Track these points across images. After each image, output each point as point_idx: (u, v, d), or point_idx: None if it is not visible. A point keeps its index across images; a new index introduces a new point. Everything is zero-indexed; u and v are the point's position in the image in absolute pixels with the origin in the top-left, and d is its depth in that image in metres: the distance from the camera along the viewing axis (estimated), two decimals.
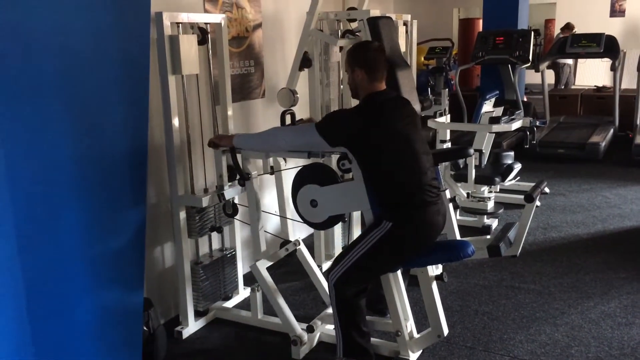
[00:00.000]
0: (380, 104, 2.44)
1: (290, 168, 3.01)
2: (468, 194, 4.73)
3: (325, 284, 3.11)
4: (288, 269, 3.81)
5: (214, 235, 3.36)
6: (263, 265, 2.95)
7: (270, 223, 3.91)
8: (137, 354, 2.60)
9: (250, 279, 3.60)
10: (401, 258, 2.51)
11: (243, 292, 3.51)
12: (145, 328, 2.77)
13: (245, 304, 3.38)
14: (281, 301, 2.91)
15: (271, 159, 3.09)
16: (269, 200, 4.03)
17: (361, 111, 2.45)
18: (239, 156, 2.85)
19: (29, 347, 2.11)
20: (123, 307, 2.56)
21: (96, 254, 2.38)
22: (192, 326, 3.15)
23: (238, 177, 2.92)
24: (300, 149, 2.63)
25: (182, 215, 3.03)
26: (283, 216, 3.29)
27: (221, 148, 2.88)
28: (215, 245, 3.45)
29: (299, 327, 2.89)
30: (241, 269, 3.50)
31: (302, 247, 3.18)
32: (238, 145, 2.75)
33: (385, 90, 2.52)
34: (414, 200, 2.40)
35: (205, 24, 3.09)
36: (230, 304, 3.41)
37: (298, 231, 3.85)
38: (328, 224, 2.75)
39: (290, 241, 3.12)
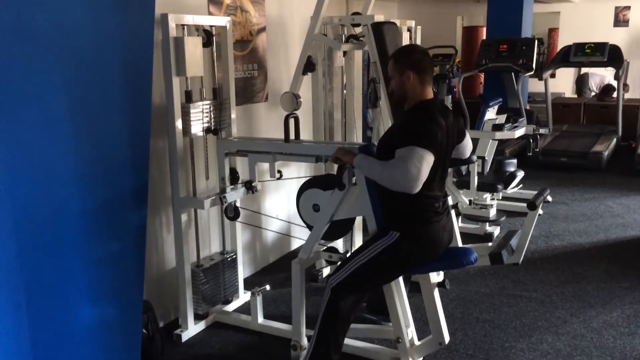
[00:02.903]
0: (435, 112, 2.35)
1: (306, 177, 2.96)
2: (470, 201, 4.71)
3: None
4: (287, 274, 3.78)
5: (215, 238, 3.35)
6: (304, 266, 2.81)
7: (274, 225, 3.90)
8: (136, 356, 2.58)
9: (251, 283, 3.59)
10: (403, 270, 2.50)
11: (243, 296, 3.49)
12: (144, 331, 2.76)
13: (245, 308, 3.37)
14: (303, 307, 2.80)
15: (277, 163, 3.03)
16: (270, 204, 4.02)
17: (433, 120, 2.31)
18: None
19: (28, 349, 2.10)
20: (122, 310, 2.55)
21: (96, 256, 2.37)
22: (192, 329, 3.14)
23: (243, 181, 2.81)
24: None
25: (184, 217, 3.02)
26: (291, 222, 3.26)
27: (346, 165, 2.52)
28: (216, 248, 3.44)
29: (305, 338, 2.84)
30: (242, 273, 3.48)
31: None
32: (357, 166, 2.42)
33: (434, 98, 2.44)
34: (424, 215, 2.38)
35: (211, 26, 3.10)
36: (230, 307, 3.40)
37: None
38: (330, 234, 2.71)
39: (339, 252, 2.96)
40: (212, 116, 3.08)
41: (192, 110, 2.94)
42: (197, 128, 2.99)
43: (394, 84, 2.43)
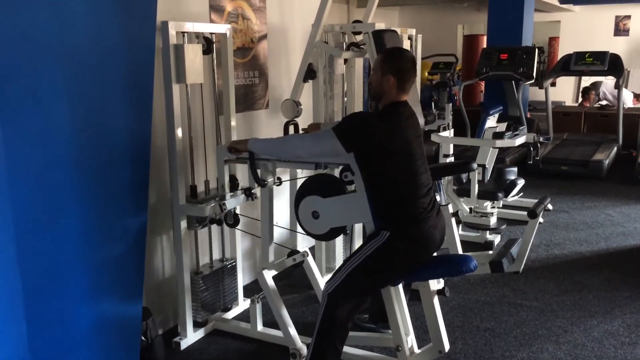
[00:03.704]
0: (400, 115, 2.41)
1: (300, 178, 2.99)
2: (471, 209, 4.71)
3: None
4: (287, 282, 3.78)
5: (215, 245, 3.34)
6: (269, 274, 2.90)
7: (274, 233, 3.89)
8: None
9: (251, 290, 3.58)
10: (396, 270, 2.48)
11: (243, 304, 3.48)
12: (143, 338, 2.75)
13: (244, 316, 3.35)
14: (284, 313, 2.87)
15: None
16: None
17: (383, 118, 2.40)
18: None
19: (26, 354, 2.09)
20: (121, 316, 2.54)
21: (96, 261, 2.36)
22: (191, 337, 3.12)
23: (242, 188, 2.88)
24: (318, 158, 2.55)
25: (184, 224, 3.01)
26: (293, 230, 3.27)
27: (243, 153, 2.72)
28: (216, 255, 3.44)
29: (299, 341, 2.85)
30: (241, 280, 3.48)
31: (310, 258, 3.14)
32: (252, 149, 2.62)
33: (407, 102, 2.48)
34: (411, 214, 2.39)
35: (211, 34, 3.10)
36: (229, 315, 3.38)
37: (305, 242, 3.83)
38: (330, 235, 2.73)
39: (299, 251, 3.08)
40: None
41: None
42: None
43: (374, 79, 2.47)
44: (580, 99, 9.73)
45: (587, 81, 9.87)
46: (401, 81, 2.41)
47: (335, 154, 2.39)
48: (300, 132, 3.49)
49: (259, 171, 2.77)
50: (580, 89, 9.41)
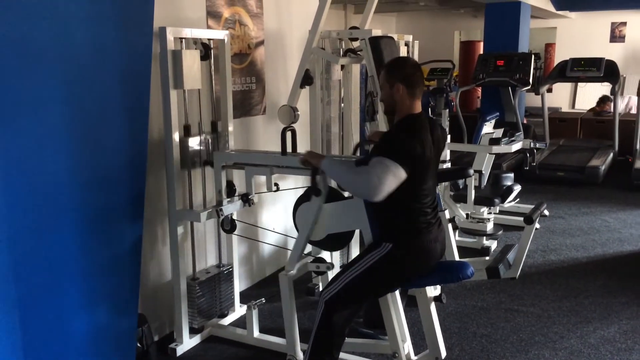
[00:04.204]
0: (420, 127, 2.36)
1: (300, 187, 2.96)
2: (467, 214, 4.71)
3: None
4: None
5: (211, 251, 3.33)
6: (292, 278, 2.76)
7: (270, 238, 3.89)
8: None
9: (247, 297, 3.57)
10: (396, 281, 2.48)
11: (239, 310, 3.47)
12: (138, 344, 2.74)
13: (241, 322, 3.34)
14: (294, 319, 2.79)
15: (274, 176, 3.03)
16: (266, 217, 4.02)
17: (415, 135, 2.31)
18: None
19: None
20: (117, 323, 2.53)
21: (91, 268, 2.36)
22: (187, 343, 3.11)
23: (239, 193, 2.80)
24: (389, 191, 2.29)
25: (180, 230, 3.01)
26: (291, 236, 3.24)
27: (319, 170, 2.54)
28: (212, 261, 3.43)
29: (300, 348, 2.83)
30: (238, 286, 3.47)
31: (334, 271, 2.96)
32: (324, 169, 2.47)
33: (422, 112, 2.45)
34: (416, 226, 2.38)
35: (209, 39, 3.11)
36: (225, 321, 3.37)
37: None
38: (329, 246, 2.70)
39: (326, 261, 2.90)
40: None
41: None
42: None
43: (384, 95, 2.46)
44: (594, 105, 9.61)
45: (583, 87, 9.90)
46: (411, 87, 2.38)
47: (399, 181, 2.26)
48: (332, 137, 3.35)
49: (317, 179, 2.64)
50: (599, 96, 9.32)
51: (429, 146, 2.34)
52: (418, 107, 2.43)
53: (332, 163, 2.44)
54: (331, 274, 2.96)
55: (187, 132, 3.06)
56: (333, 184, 2.76)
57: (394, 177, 2.20)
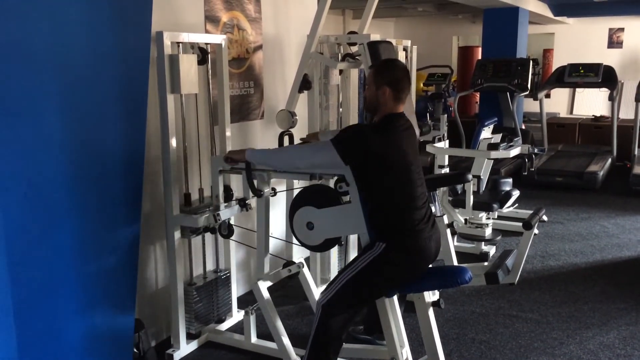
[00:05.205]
0: (397, 127, 2.41)
1: (295, 188, 2.97)
2: (466, 220, 4.70)
3: None
4: (282, 292, 3.76)
5: (209, 256, 3.32)
6: (264, 285, 2.86)
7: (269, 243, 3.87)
8: None
9: (245, 302, 3.55)
10: (391, 282, 2.46)
11: (237, 315, 3.45)
12: (135, 350, 2.72)
13: (238, 327, 3.33)
14: (279, 325, 2.84)
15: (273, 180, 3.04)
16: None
17: (380, 130, 2.39)
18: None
19: None
20: (113, 328, 2.52)
21: (88, 273, 2.34)
22: (184, 349, 3.09)
23: (236, 198, 2.86)
24: (315, 169, 2.57)
25: (177, 235, 2.99)
26: (289, 241, 3.25)
27: (239, 164, 2.72)
28: (210, 266, 3.41)
29: (294, 353, 2.83)
30: (235, 291, 3.45)
31: (305, 270, 3.10)
32: (251, 159, 2.62)
33: (403, 113, 2.48)
34: (407, 225, 2.38)
35: (206, 44, 3.10)
36: (223, 326, 3.36)
37: (300, 253, 3.81)
38: (325, 246, 2.71)
39: (294, 262, 3.02)
40: None
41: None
42: None
43: (369, 93, 2.48)
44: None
45: (581, 92, 9.92)
46: (397, 91, 2.41)
47: (333, 165, 2.39)
48: (298, 141, 3.48)
49: (255, 181, 2.76)
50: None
51: (402, 144, 2.39)
52: (400, 109, 2.47)
53: (255, 150, 2.63)
54: (326, 276, 2.97)
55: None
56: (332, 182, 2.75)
57: (318, 153, 2.41)
